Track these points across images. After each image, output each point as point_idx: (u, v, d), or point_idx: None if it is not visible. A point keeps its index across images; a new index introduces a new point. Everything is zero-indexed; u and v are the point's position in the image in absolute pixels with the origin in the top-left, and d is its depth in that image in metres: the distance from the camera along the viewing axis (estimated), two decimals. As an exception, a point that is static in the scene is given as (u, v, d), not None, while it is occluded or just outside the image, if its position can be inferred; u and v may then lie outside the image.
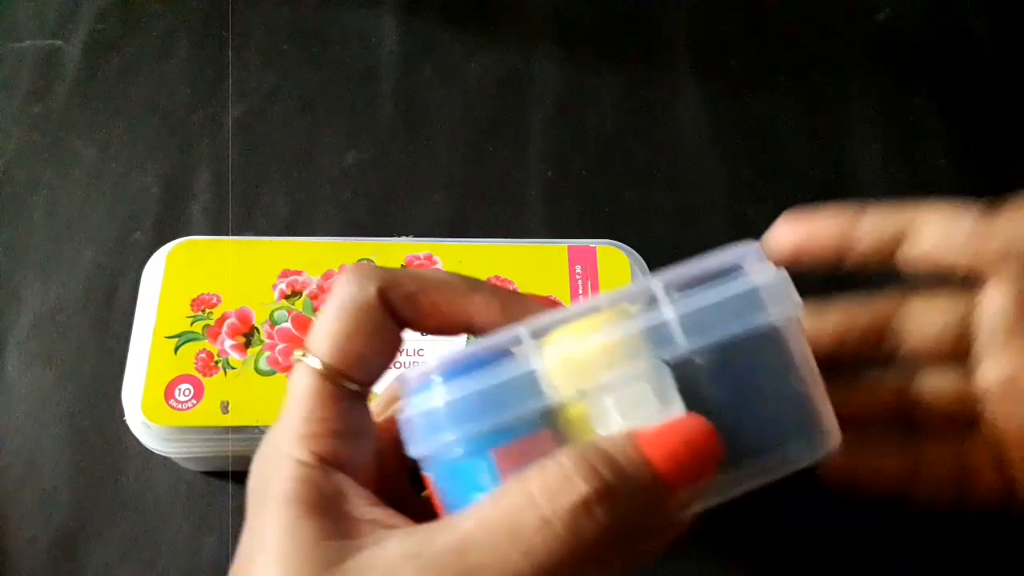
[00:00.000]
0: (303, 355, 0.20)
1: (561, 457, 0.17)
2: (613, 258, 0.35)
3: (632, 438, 0.17)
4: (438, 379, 0.19)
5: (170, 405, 0.30)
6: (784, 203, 0.40)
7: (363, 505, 0.18)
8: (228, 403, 0.30)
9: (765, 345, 0.20)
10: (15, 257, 0.38)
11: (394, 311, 0.20)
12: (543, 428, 0.19)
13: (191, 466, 0.33)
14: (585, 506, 0.16)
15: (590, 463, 0.16)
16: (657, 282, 0.20)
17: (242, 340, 0.32)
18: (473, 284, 0.21)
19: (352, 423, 0.20)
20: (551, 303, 0.21)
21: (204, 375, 0.31)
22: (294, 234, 0.36)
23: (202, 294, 0.33)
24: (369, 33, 0.45)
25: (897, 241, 0.25)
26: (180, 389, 0.31)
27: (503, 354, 0.19)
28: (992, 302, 0.24)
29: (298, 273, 0.33)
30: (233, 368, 0.31)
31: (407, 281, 0.20)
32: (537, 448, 0.18)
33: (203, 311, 0.32)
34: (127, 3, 0.45)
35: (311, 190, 0.40)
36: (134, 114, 0.42)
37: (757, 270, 0.20)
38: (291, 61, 0.44)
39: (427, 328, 0.21)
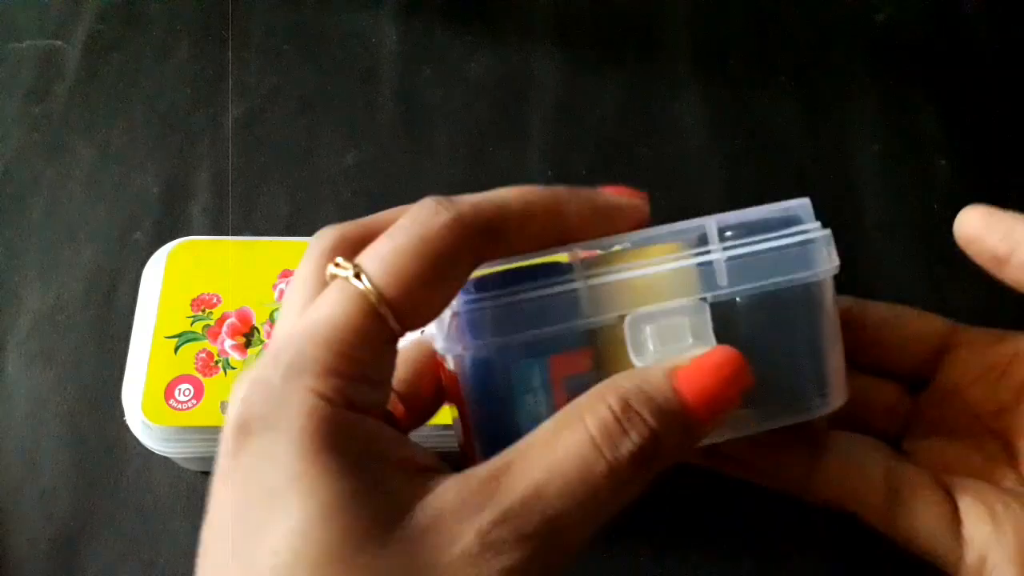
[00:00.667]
0: (355, 273, 0.17)
1: (609, 398, 0.17)
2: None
3: (671, 378, 0.18)
4: (488, 284, 0.19)
5: (170, 405, 0.30)
6: (784, 203, 0.41)
7: (398, 447, 0.17)
8: (228, 403, 0.30)
9: (801, 298, 0.21)
10: (15, 257, 0.38)
11: (473, 248, 0.18)
12: (586, 345, 0.20)
13: (191, 466, 0.33)
14: (641, 453, 0.17)
15: (636, 410, 0.17)
16: (711, 222, 0.21)
17: (242, 340, 0.32)
18: (560, 199, 0.19)
19: (383, 371, 0.18)
20: (635, 208, 0.21)
21: (204, 375, 0.31)
22: (294, 234, 0.36)
23: (202, 294, 0.33)
24: (369, 33, 0.45)
25: None
26: (180, 389, 0.31)
27: (557, 272, 0.20)
28: None
29: (298, 273, 0.33)
30: (233, 368, 0.31)
31: (494, 215, 0.18)
32: (580, 363, 0.19)
33: (203, 311, 0.32)
34: (127, 3, 0.45)
35: (311, 190, 0.40)
36: (134, 114, 0.42)
37: (806, 226, 0.21)
38: (291, 61, 0.44)
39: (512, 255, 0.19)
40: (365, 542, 0.15)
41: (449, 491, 0.16)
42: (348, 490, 0.16)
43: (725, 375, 0.18)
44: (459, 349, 0.19)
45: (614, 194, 0.21)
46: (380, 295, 0.17)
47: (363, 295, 0.17)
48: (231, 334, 0.32)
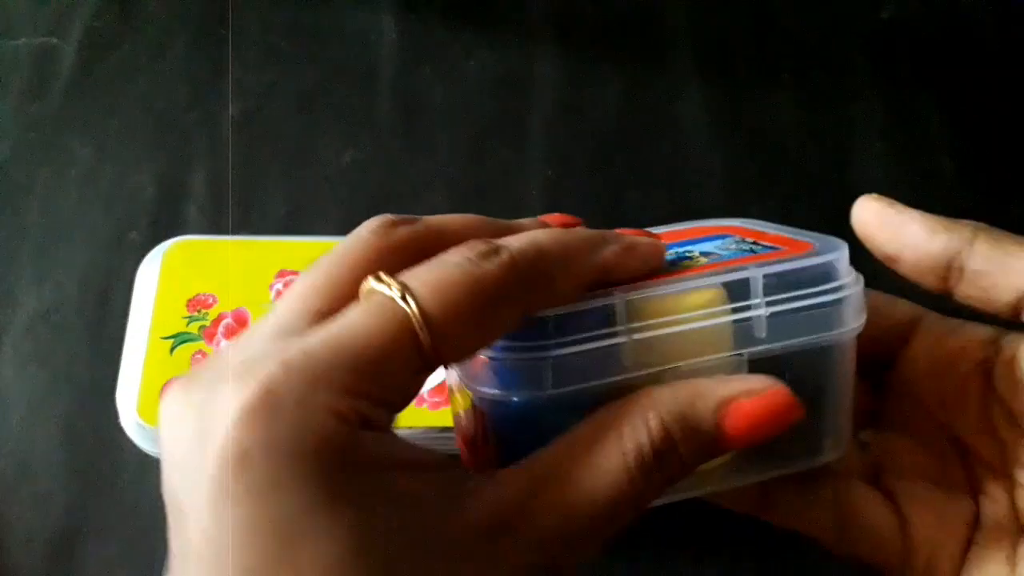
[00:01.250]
0: (402, 294, 0.16)
1: (651, 419, 0.17)
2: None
3: (719, 414, 0.18)
4: (534, 332, 0.18)
5: (165, 407, 0.30)
6: (787, 202, 0.40)
7: (414, 453, 0.16)
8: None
9: (830, 352, 0.21)
10: (10, 257, 0.38)
11: (524, 296, 0.17)
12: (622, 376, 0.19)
13: (187, 468, 0.32)
14: (671, 479, 0.17)
15: (677, 442, 0.17)
16: (757, 274, 0.20)
17: (238, 341, 0.32)
18: (595, 242, 0.19)
19: (407, 399, 0.16)
20: (657, 248, 0.21)
21: (200, 376, 0.31)
22: (291, 233, 0.36)
23: (198, 294, 0.32)
24: (368, 31, 0.44)
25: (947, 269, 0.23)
26: (176, 390, 0.30)
27: (601, 320, 0.19)
28: None
29: (295, 273, 0.33)
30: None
31: (542, 262, 0.17)
32: None
33: (199, 311, 0.32)
34: (123, 1, 0.45)
35: (309, 189, 0.40)
36: (130, 113, 0.42)
37: (844, 281, 0.21)
38: (289, 59, 0.44)
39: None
40: (407, 570, 0.15)
41: (483, 507, 0.16)
42: (380, 516, 0.14)
43: (774, 416, 0.18)
44: (493, 393, 0.19)
45: (642, 239, 0.21)
46: (426, 323, 0.15)
47: (406, 318, 0.16)
48: (227, 335, 0.32)
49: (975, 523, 0.24)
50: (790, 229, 0.24)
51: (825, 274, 0.21)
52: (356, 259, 0.18)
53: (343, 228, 0.40)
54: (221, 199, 0.39)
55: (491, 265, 0.17)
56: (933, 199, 0.40)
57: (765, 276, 0.20)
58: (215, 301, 0.32)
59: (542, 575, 0.16)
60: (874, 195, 0.24)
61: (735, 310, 0.20)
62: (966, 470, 0.25)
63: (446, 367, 0.18)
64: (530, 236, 0.18)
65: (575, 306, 0.19)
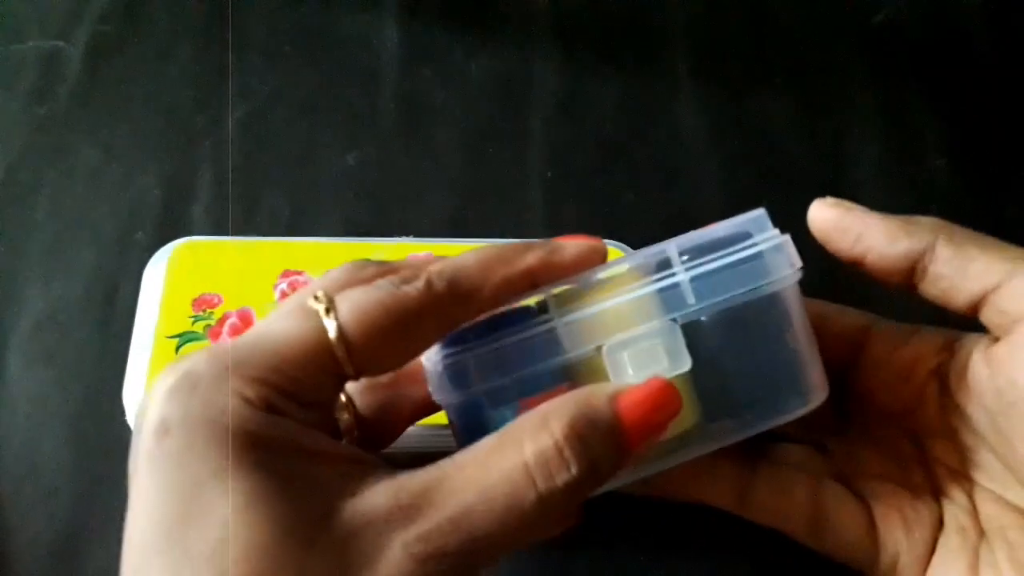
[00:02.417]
0: (327, 308, 0.18)
1: (553, 424, 0.18)
2: (612, 259, 0.35)
3: (613, 405, 0.18)
4: (469, 334, 0.20)
5: (171, 404, 0.30)
6: (783, 204, 0.40)
7: (323, 444, 0.17)
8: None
9: (766, 306, 0.22)
10: (17, 257, 0.38)
11: (440, 313, 0.19)
12: (564, 382, 0.21)
13: (192, 465, 0.33)
14: (576, 485, 0.17)
15: (579, 438, 0.18)
16: (672, 246, 0.21)
17: (243, 340, 0.32)
18: (516, 255, 0.20)
19: (320, 397, 0.18)
20: (593, 251, 0.22)
21: (205, 375, 0.31)
22: (295, 234, 0.36)
23: (203, 294, 0.33)
24: (370, 35, 0.45)
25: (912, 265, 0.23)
26: (181, 389, 0.31)
27: (528, 315, 0.21)
28: None
29: (299, 273, 0.33)
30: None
31: (457, 281, 0.19)
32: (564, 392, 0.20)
33: (204, 311, 0.32)
34: (129, 5, 0.45)
35: (312, 191, 0.40)
36: (136, 115, 0.42)
37: (763, 236, 0.22)
38: (292, 63, 0.44)
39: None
40: (292, 538, 0.16)
41: (380, 495, 0.17)
42: (273, 484, 0.16)
43: (661, 404, 0.19)
44: (444, 398, 0.21)
45: (571, 241, 0.22)
46: (343, 336, 0.18)
47: (324, 330, 0.18)
48: (232, 334, 0.32)
49: (939, 526, 0.24)
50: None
51: (742, 234, 0.22)
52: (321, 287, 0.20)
53: (346, 229, 0.41)
54: (226, 200, 0.39)
55: (410, 288, 0.19)
56: (928, 200, 0.40)
57: (680, 247, 0.21)
58: (220, 301, 0.33)
59: (445, 569, 0.16)
60: (828, 199, 0.24)
61: (656, 280, 0.21)
62: (928, 474, 0.25)
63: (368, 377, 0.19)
64: (454, 259, 0.20)
65: (499, 310, 0.20)
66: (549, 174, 0.41)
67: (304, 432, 0.17)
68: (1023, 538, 0.23)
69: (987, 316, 0.22)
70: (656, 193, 0.41)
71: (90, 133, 0.41)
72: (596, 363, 0.20)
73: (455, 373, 0.20)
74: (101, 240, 0.38)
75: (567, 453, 0.17)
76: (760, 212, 0.23)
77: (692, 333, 0.21)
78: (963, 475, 0.25)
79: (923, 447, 0.25)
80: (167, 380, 0.17)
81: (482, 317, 0.20)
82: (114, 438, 0.33)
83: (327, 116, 0.42)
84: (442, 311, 0.19)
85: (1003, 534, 0.23)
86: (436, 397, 0.21)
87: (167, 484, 0.16)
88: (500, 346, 0.20)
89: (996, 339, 0.22)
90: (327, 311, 0.18)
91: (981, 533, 0.24)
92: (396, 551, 0.16)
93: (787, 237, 0.22)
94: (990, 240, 0.22)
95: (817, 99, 0.43)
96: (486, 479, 0.17)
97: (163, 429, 0.17)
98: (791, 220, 0.43)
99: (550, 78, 0.44)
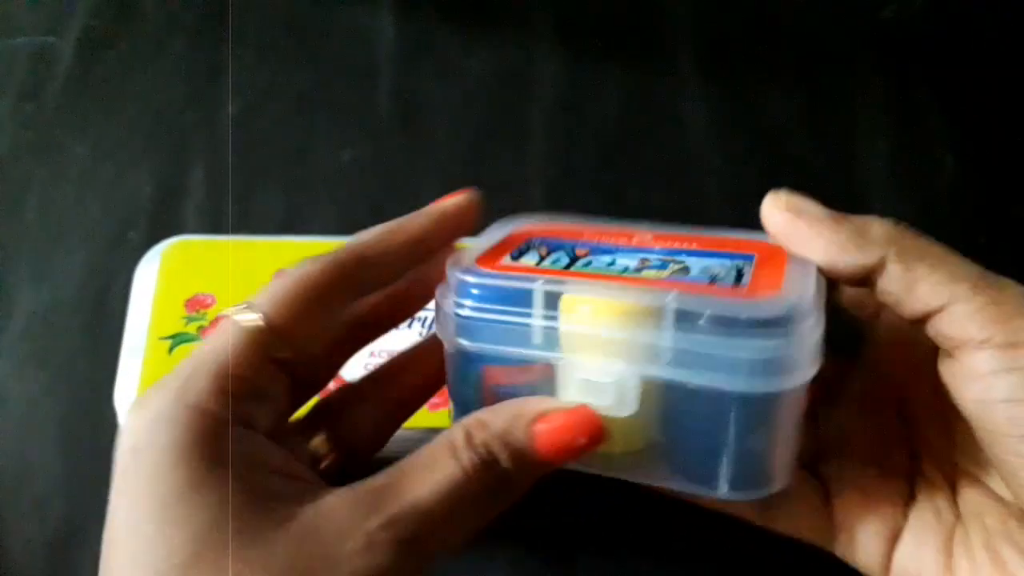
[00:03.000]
0: (244, 308, 0.20)
1: (477, 438, 0.20)
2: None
3: (530, 435, 0.21)
4: (487, 295, 0.22)
5: (164, 408, 0.30)
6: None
7: (282, 461, 0.20)
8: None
9: (744, 404, 0.21)
10: (7, 257, 0.37)
11: (345, 281, 0.22)
12: (525, 364, 0.22)
13: (185, 469, 0.32)
14: (498, 485, 0.20)
15: (497, 457, 0.20)
16: (672, 301, 0.20)
17: (237, 341, 0.31)
18: (402, 223, 0.23)
19: (268, 387, 0.20)
20: (461, 206, 0.24)
21: (198, 377, 0.30)
22: (290, 233, 0.36)
23: (196, 294, 0.32)
24: (367, 29, 0.44)
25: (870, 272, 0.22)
26: (174, 391, 0.30)
27: (519, 297, 0.22)
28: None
29: (294, 273, 0.33)
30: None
31: (358, 251, 0.22)
32: (514, 376, 0.22)
33: (197, 312, 0.32)
34: (121, 0, 0.45)
35: (307, 188, 0.40)
36: (128, 112, 0.41)
37: (772, 337, 0.20)
38: (287, 58, 0.43)
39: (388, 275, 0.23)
40: (255, 539, 0.17)
41: (338, 498, 0.19)
42: (235, 495, 0.18)
43: (579, 436, 0.21)
44: (442, 339, 0.23)
45: (443, 200, 0.24)
46: (267, 324, 0.20)
47: (246, 327, 0.20)
48: (226, 335, 0.31)
49: (907, 506, 0.24)
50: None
51: (751, 326, 0.20)
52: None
53: (342, 228, 0.40)
54: (219, 199, 0.39)
55: (315, 264, 0.21)
56: (935, 197, 0.40)
57: (679, 307, 0.20)
58: (214, 301, 0.32)
59: (417, 569, 0.19)
60: (781, 197, 0.23)
61: (647, 330, 0.20)
62: (911, 453, 0.25)
63: (306, 352, 0.21)
64: (356, 237, 0.23)
65: (504, 280, 0.22)
66: (549, 172, 0.40)
67: (264, 445, 0.20)
68: (1000, 525, 0.23)
69: (931, 335, 0.22)
70: (659, 190, 0.40)
71: (81, 130, 0.41)
72: (552, 369, 0.22)
73: (457, 325, 0.22)
74: (92, 239, 0.38)
75: (489, 462, 0.20)
76: (790, 308, 0.20)
77: (661, 392, 0.21)
78: (948, 458, 0.25)
79: (914, 422, 0.26)
80: (136, 408, 0.19)
81: (511, 284, 0.22)
82: (106, 440, 0.32)
83: (322, 112, 0.42)
84: (349, 278, 0.22)
85: (981, 520, 0.23)
86: (439, 334, 0.23)
87: (137, 503, 0.18)
88: (490, 319, 0.22)
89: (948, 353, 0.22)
90: (246, 308, 0.20)
91: (958, 516, 0.24)
92: (358, 537, 0.18)
93: (814, 339, 0.20)
94: (943, 256, 0.22)
95: (824, 95, 0.43)
96: (432, 479, 0.20)
97: (133, 452, 0.18)
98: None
99: (551, 73, 0.43)
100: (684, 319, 0.20)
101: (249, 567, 0.17)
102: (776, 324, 0.20)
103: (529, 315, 0.21)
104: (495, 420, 0.21)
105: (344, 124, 0.41)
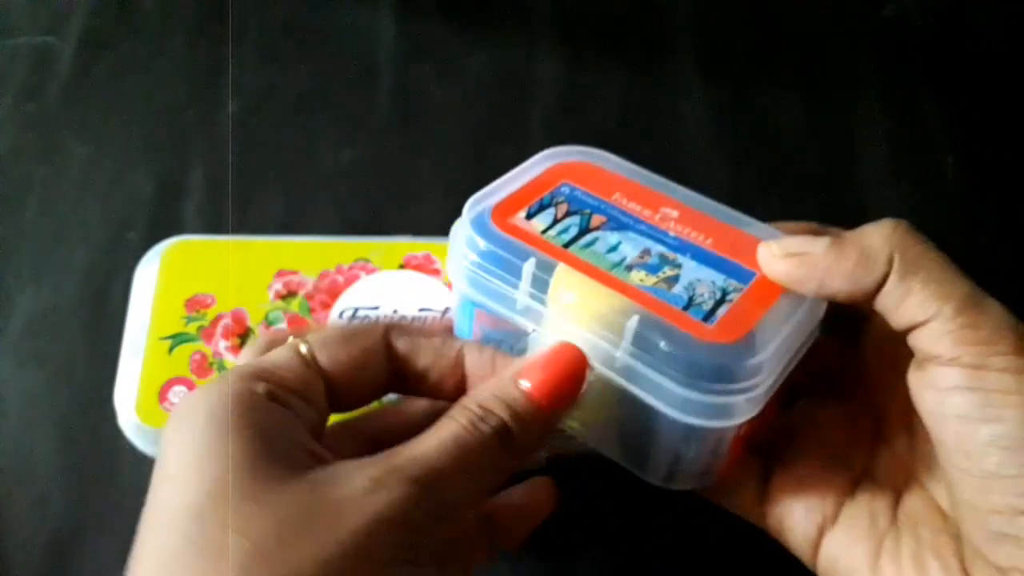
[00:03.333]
0: (301, 340, 0.23)
1: (471, 404, 0.22)
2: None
3: (515, 379, 0.22)
4: (479, 249, 0.24)
5: (164, 407, 0.30)
6: (789, 202, 0.40)
7: (306, 439, 0.21)
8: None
9: (675, 424, 0.23)
10: (7, 257, 0.37)
11: (393, 350, 0.24)
12: (511, 315, 0.24)
13: (185, 469, 0.32)
14: (498, 436, 0.21)
15: (492, 410, 0.21)
16: (633, 324, 0.22)
17: (237, 341, 0.31)
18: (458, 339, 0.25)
19: (307, 391, 0.22)
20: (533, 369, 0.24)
21: (198, 377, 0.30)
22: (290, 233, 0.36)
23: (196, 294, 0.32)
24: (366, 29, 0.44)
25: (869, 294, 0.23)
26: (174, 391, 0.30)
27: (519, 261, 0.24)
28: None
29: (294, 273, 0.33)
30: (227, 369, 0.31)
31: (410, 327, 0.25)
32: (499, 324, 0.25)
33: (197, 312, 0.32)
34: (121, 0, 0.45)
35: (307, 188, 0.40)
36: (128, 112, 0.41)
37: (716, 391, 0.22)
38: (287, 58, 0.43)
39: (419, 376, 0.24)
40: (270, 484, 0.19)
41: (350, 462, 0.20)
42: (254, 450, 0.19)
43: (561, 368, 0.22)
44: (449, 275, 0.26)
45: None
46: (311, 351, 0.23)
47: (299, 348, 0.23)
48: (225, 335, 0.31)
49: (843, 500, 0.25)
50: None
51: (696, 373, 0.22)
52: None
53: (342, 228, 0.40)
54: (219, 199, 0.39)
55: (358, 325, 0.25)
56: (936, 198, 0.40)
57: (638, 330, 0.22)
58: (213, 301, 0.32)
59: (428, 514, 0.19)
60: (774, 248, 0.24)
61: (609, 341, 0.23)
62: (872, 453, 0.26)
63: (333, 375, 0.23)
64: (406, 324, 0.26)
65: (504, 248, 0.24)
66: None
67: (292, 421, 0.21)
68: (932, 538, 0.23)
69: (911, 344, 0.23)
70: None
71: (81, 130, 0.41)
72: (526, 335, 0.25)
73: (455, 268, 0.25)
74: (92, 239, 0.38)
75: (486, 417, 0.21)
76: (770, 350, 0.22)
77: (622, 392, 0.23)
78: (904, 465, 0.25)
79: (882, 429, 0.26)
80: (194, 393, 0.22)
81: (508, 256, 0.24)
82: (106, 440, 0.33)
83: (322, 113, 0.42)
84: (373, 336, 0.24)
85: (915, 529, 0.24)
86: (448, 266, 0.26)
87: (178, 449, 0.20)
88: (486, 278, 0.24)
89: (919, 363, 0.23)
90: (301, 341, 0.24)
91: (894, 520, 0.24)
92: (362, 480, 0.19)
93: (759, 392, 0.22)
94: (938, 270, 0.22)
95: (824, 95, 0.43)
96: (433, 438, 0.21)
97: (179, 412, 0.21)
98: (797, 217, 0.42)
99: (551, 73, 0.43)
100: (641, 340, 0.22)
101: (259, 507, 0.18)
102: (719, 378, 0.22)
103: (516, 287, 0.24)
104: (483, 387, 0.22)
105: (344, 124, 0.41)
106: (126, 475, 0.33)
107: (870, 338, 0.27)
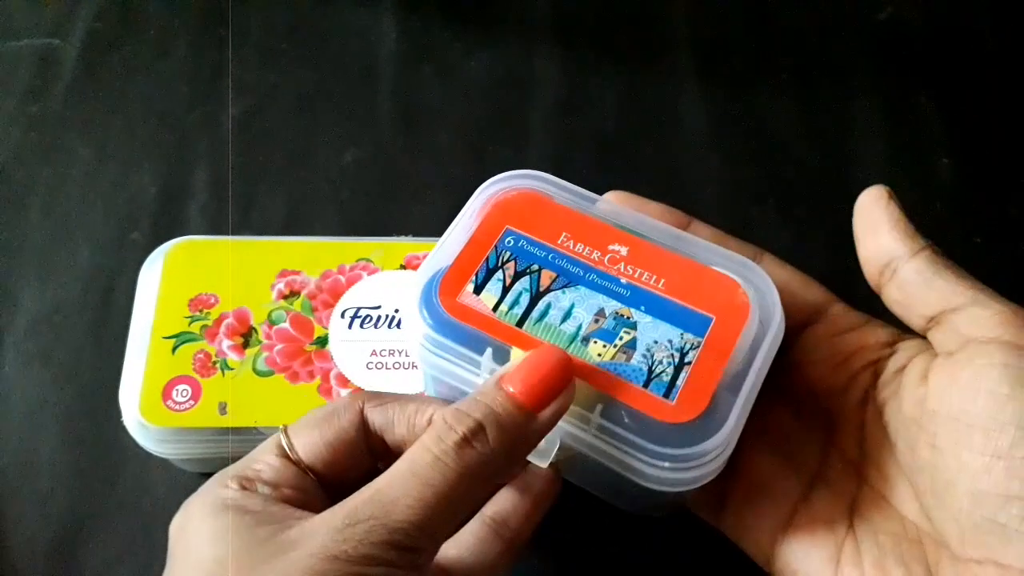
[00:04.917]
0: (283, 431, 0.24)
1: (443, 413, 0.22)
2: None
3: (495, 380, 0.22)
4: (430, 334, 0.24)
5: (167, 406, 0.30)
6: (786, 203, 0.40)
7: (287, 507, 0.22)
8: (226, 404, 0.30)
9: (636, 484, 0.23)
10: (12, 257, 0.38)
11: (368, 425, 0.24)
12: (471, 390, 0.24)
13: (189, 467, 0.33)
14: (464, 441, 0.21)
15: (463, 411, 0.22)
16: (597, 416, 0.23)
17: (240, 340, 0.32)
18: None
19: (283, 477, 0.23)
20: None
21: (202, 376, 0.31)
22: (292, 233, 0.36)
23: (200, 294, 0.32)
24: (368, 31, 0.44)
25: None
26: (178, 390, 0.30)
27: (479, 344, 0.24)
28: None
29: (296, 273, 0.33)
30: (231, 369, 0.31)
31: (385, 397, 0.24)
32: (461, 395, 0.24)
33: (201, 311, 0.32)
34: (125, 2, 0.45)
35: (309, 189, 0.40)
36: (132, 113, 0.42)
37: (676, 469, 0.23)
38: (290, 59, 0.44)
39: (398, 448, 0.24)
40: (256, 552, 0.20)
41: (317, 517, 0.21)
42: (247, 541, 0.21)
43: (546, 369, 0.22)
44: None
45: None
46: (288, 439, 0.24)
47: (280, 440, 0.24)
48: (229, 334, 0.32)
49: (799, 503, 0.25)
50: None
51: (657, 456, 0.23)
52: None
53: (343, 228, 0.40)
54: (222, 200, 0.39)
55: (333, 409, 0.24)
56: (932, 198, 0.40)
57: (601, 420, 0.23)
58: (217, 301, 0.32)
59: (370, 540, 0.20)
60: (883, 189, 0.25)
61: (570, 420, 0.23)
62: (823, 457, 0.26)
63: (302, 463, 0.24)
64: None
65: (454, 338, 0.24)
66: (549, 172, 0.41)
67: (266, 502, 0.22)
68: (894, 546, 0.23)
69: (938, 332, 0.24)
70: (657, 192, 0.40)
71: (85, 131, 0.41)
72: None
73: (411, 341, 0.25)
74: (96, 240, 0.38)
75: (453, 423, 0.21)
76: (730, 426, 0.23)
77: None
78: (858, 470, 0.25)
79: (835, 426, 0.26)
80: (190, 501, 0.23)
81: (461, 349, 0.24)
82: (110, 439, 0.33)
83: (324, 114, 0.42)
84: (349, 415, 0.24)
85: (875, 536, 0.24)
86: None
87: (185, 551, 0.22)
88: (441, 359, 0.24)
89: (936, 355, 0.24)
90: (283, 432, 0.24)
91: (850, 527, 0.24)
92: (321, 535, 0.20)
93: (715, 465, 0.23)
94: (960, 270, 0.24)
95: (820, 97, 0.43)
96: (393, 470, 0.21)
97: (179, 523, 0.23)
98: (793, 219, 0.42)
99: (550, 75, 0.43)
100: (606, 429, 0.23)
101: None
102: (684, 457, 0.23)
103: (475, 371, 0.24)
104: (465, 400, 0.22)
105: (345, 125, 0.42)
106: (130, 473, 0.33)
107: (812, 343, 0.27)
